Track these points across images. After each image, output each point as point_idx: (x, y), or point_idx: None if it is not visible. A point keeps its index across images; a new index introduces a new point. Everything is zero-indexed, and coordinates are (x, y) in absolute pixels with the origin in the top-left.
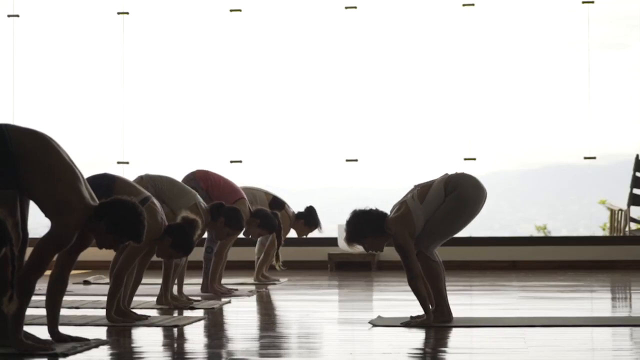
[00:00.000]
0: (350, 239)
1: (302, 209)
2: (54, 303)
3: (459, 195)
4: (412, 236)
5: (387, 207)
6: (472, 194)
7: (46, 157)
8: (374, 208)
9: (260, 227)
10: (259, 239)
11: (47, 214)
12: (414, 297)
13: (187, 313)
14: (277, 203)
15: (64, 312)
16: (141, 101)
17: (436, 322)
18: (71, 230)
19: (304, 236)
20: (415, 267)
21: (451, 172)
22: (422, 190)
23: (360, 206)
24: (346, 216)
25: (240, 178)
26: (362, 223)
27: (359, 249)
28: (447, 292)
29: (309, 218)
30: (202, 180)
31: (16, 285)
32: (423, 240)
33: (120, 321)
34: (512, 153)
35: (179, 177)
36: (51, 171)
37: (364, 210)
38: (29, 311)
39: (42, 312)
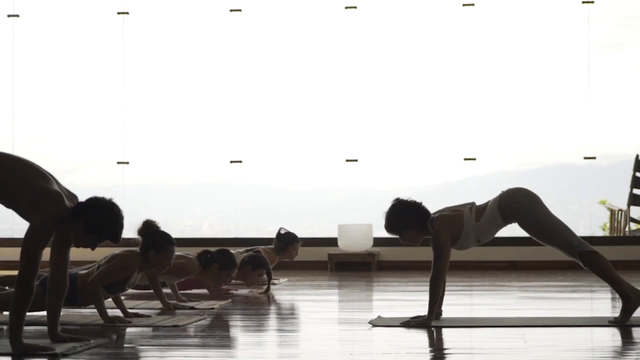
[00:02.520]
0: (391, 227)
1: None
2: (54, 304)
3: (527, 216)
4: (452, 241)
5: (388, 206)
6: (529, 204)
7: (5, 159)
8: (420, 202)
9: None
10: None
11: (22, 214)
12: (414, 298)
13: (187, 313)
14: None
15: (64, 311)
16: (141, 101)
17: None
18: (49, 221)
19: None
20: (443, 269)
21: (502, 193)
22: (479, 210)
23: (400, 198)
24: (347, 218)
25: (241, 178)
26: (407, 214)
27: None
28: (446, 292)
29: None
30: None
31: (16, 289)
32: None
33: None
34: (512, 153)
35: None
36: (12, 171)
37: (410, 202)
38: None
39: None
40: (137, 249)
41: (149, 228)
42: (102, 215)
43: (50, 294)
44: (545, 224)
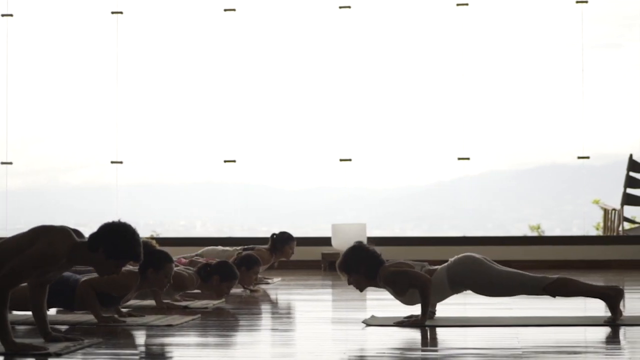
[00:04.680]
0: (343, 265)
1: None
2: (39, 309)
3: (477, 280)
4: (402, 293)
5: (382, 206)
6: (477, 268)
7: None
8: (377, 251)
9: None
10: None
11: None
12: None
13: (180, 313)
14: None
15: (59, 311)
16: (135, 101)
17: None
18: (56, 249)
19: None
20: (426, 279)
21: (450, 262)
22: (429, 272)
23: (363, 242)
24: (340, 217)
25: (234, 178)
26: (363, 260)
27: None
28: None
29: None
30: None
31: None
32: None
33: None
34: (506, 153)
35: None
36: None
37: (371, 250)
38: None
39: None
40: (135, 268)
41: (145, 248)
42: (120, 239)
43: (33, 308)
44: (497, 280)
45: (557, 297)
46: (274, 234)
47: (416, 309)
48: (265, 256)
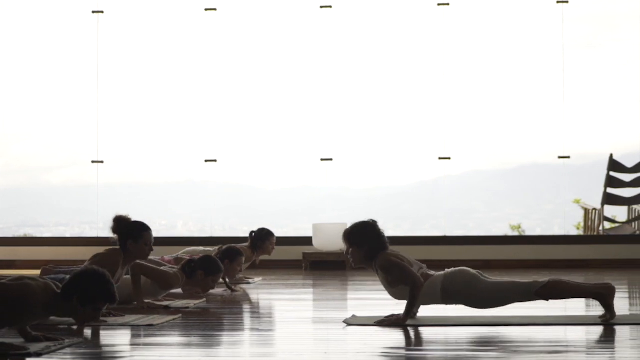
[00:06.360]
0: (350, 235)
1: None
2: None
3: (471, 292)
4: (395, 284)
5: (363, 206)
6: (470, 280)
7: None
8: (386, 237)
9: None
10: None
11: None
12: (388, 297)
13: (161, 313)
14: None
15: None
16: (116, 100)
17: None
18: (36, 300)
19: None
20: (418, 278)
21: (446, 272)
22: (424, 275)
23: (377, 222)
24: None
25: (215, 177)
26: (371, 237)
27: (343, 245)
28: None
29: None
30: None
31: None
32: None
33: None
34: (487, 152)
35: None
36: None
37: (381, 232)
38: None
39: None
40: (117, 246)
41: (121, 222)
42: (90, 283)
43: None
44: (489, 294)
45: (549, 300)
46: (252, 232)
47: (398, 308)
48: (247, 254)
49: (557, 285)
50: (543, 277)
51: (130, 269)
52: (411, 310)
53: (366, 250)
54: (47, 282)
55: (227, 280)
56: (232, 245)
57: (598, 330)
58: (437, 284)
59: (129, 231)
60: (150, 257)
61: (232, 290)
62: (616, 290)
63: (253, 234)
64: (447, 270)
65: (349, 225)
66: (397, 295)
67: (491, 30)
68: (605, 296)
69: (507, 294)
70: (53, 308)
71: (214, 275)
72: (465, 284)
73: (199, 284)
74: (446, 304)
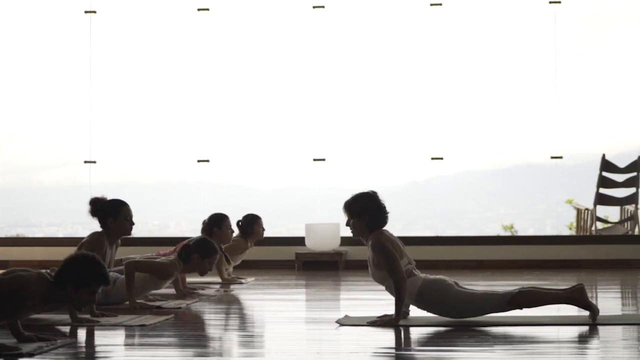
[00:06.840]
0: (351, 205)
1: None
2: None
3: (448, 302)
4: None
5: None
6: (445, 290)
7: None
8: (387, 214)
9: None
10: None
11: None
12: (381, 297)
13: (154, 313)
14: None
15: None
16: (108, 100)
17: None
18: (33, 290)
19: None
20: (402, 269)
21: (425, 278)
22: (408, 271)
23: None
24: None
25: (208, 177)
26: (373, 209)
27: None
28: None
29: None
30: None
31: None
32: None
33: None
34: (480, 153)
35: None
36: None
37: (383, 204)
38: None
39: None
40: (99, 230)
41: (97, 203)
42: (82, 267)
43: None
44: (462, 301)
45: (524, 309)
46: (239, 221)
47: (391, 308)
48: (241, 244)
49: (528, 294)
50: (534, 275)
51: (124, 268)
52: (401, 309)
53: (367, 220)
54: (40, 272)
55: (222, 246)
56: (203, 237)
57: (591, 330)
58: (416, 286)
59: (107, 209)
60: (146, 253)
61: (225, 291)
62: (586, 287)
63: (240, 223)
64: (428, 276)
65: (342, 224)
66: (379, 280)
67: (484, 31)
68: (577, 299)
69: (480, 304)
70: (49, 297)
71: (210, 257)
72: (439, 292)
73: (196, 267)
74: (419, 307)
